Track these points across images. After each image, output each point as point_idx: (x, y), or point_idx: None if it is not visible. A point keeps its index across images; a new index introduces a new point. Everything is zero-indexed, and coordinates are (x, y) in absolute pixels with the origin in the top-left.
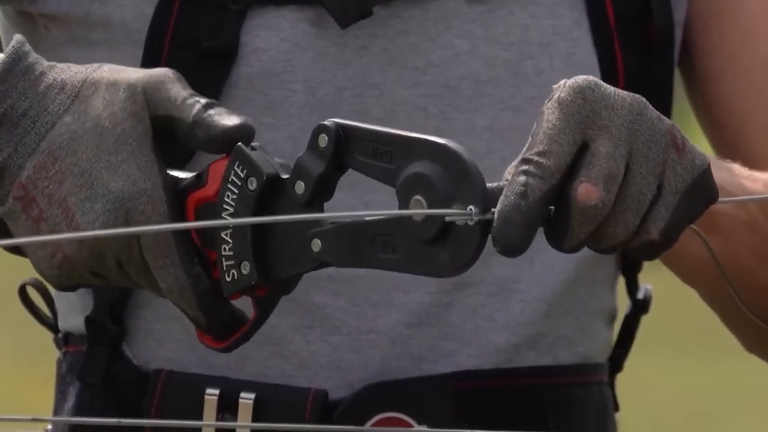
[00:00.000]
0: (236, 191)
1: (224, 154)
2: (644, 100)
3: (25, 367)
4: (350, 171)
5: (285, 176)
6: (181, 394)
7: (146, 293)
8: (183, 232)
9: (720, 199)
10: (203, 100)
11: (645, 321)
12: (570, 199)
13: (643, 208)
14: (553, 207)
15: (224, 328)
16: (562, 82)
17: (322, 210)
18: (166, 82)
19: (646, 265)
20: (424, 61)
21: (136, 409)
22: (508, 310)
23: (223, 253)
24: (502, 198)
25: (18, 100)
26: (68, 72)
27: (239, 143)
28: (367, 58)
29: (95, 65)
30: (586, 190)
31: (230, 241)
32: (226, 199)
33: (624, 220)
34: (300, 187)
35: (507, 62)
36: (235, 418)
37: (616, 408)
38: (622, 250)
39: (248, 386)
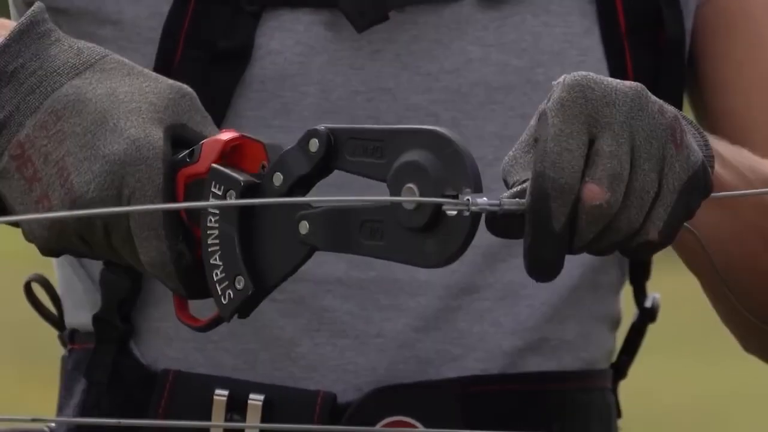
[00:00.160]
0: (217, 209)
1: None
2: (645, 90)
3: (26, 367)
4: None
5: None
6: (189, 395)
7: (155, 292)
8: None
9: (712, 194)
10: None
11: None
12: (576, 199)
13: (647, 205)
14: None
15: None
16: (561, 79)
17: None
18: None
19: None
20: (436, 66)
21: (143, 408)
22: (514, 315)
23: (215, 278)
24: (528, 230)
25: (29, 60)
26: (86, 44)
27: (213, 164)
28: (380, 62)
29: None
30: (592, 191)
31: (220, 263)
32: (209, 224)
33: (627, 217)
34: (278, 179)
35: (518, 69)
36: (243, 419)
37: (619, 414)
38: (620, 249)
39: (256, 388)
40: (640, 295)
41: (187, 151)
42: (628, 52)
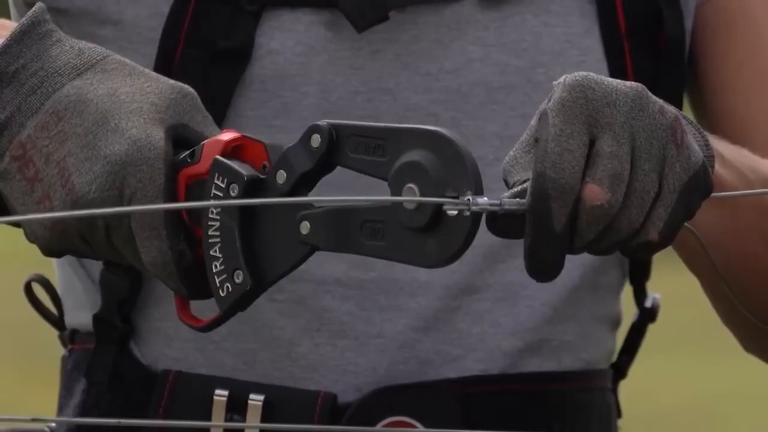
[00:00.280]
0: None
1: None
2: (646, 91)
3: (26, 367)
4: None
5: (268, 170)
6: (189, 395)
7: (155, 292)
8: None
9: (713, 194)
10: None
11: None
12: (577, 199)
13: (647, 206)
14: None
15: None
16: (561, 79)
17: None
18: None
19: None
20: (436, 67)
21: (143, 408)
22: (514, 315)
23: (214, 270)
24: (528, 230)
25: (30, 61)
26: (88, 44)
27: (216, 156)
28: (380, 62)
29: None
30: (592, 192)
31: (220, 255)
32: (210, 216)
33: (628, 217)
34: (281, 176)
35: (519, 70)
36: (243, 419)
37: (619, 414)
38: (620, 249)
39: (256, 388)
40: (640, 295)
41: (188, 152)
42: (628, 52)
